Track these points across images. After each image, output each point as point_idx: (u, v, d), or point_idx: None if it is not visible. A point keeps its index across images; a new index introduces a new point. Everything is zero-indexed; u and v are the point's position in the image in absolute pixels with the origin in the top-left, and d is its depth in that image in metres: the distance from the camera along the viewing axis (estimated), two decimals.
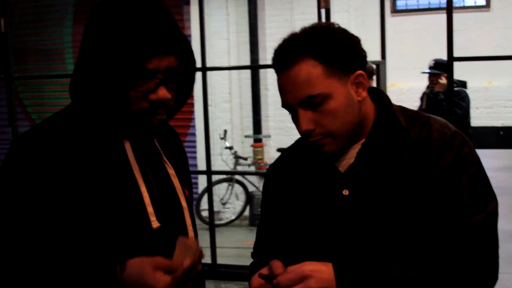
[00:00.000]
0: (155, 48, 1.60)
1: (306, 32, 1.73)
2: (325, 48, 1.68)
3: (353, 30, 1.86)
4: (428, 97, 6.86)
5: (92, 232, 1.63)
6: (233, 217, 9.48)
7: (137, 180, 1.69)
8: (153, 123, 1.69)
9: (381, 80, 6.55)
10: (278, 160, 2.01)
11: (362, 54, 1.76)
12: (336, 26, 1.76)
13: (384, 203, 1.72)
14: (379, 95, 1.84)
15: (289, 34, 1.76)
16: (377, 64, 6.38)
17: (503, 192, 3.47)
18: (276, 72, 1.75)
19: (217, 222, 8.49)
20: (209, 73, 5.93)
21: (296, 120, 1.75)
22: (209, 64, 6.10)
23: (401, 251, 1.69)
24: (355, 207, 1.76)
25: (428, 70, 6.92)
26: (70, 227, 1.61)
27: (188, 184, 1.93)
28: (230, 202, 9.48)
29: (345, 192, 1.77)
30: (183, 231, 1.79)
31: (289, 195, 1.89)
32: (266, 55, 9.60)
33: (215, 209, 6.11)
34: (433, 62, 6.76)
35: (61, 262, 1.60)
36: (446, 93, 6.17)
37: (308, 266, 1.61)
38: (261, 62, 9.44)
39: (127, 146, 1.71)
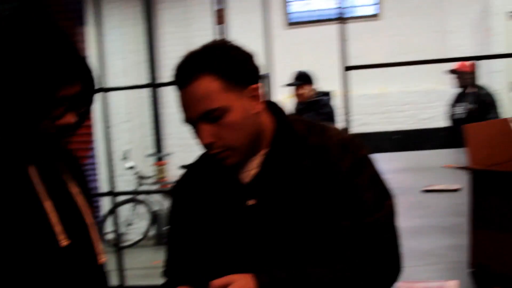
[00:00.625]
0: (64, 78, 1.61)
1: (204, 49, 1.78)
2: (222, 64, 1.74)
3: (251, 45, 1.91)
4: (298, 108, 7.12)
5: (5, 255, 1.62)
6: (139, 238, 9.45)
7: (43, 201, 1.69)
8: (60, 146, 1.72)
9: (266, 93, 6.64)
10: (183, 176, 2.04)
11: (256, 68, 1.82)
12: (231, 43, 1.82)
13: (289, 209, 1.77)
14: (275, 108, 1.91)
15: (187, 51, 1.80)
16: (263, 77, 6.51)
17: (402, 192, 3.60)
18: (177, 89, 1.79)
19: (122, 243, 8.40)
20: (108, 93, 5.87)
21: (197, 134, 1.78)
22: (107, 84, 6.03)
23: (313, 254, 1.76)
24: (261, 216, 1.80)
25: (290, 82, 7.11)
26: None
27: (91, 202, 1.93)
28: (134, 222, 9.43)
29: (250, 202, 1.82)
30: (90, 247, 1.81)
31: (196, 209, 1.92)
32: (164, 73, 9.62)
33: (120, 230, 6.05)
34: (296, 74, 6.97)
35: None
36: (309, 102, 6.60)
37: (232, 276, 1.67)
38: (160, 80, 9.45)
39: (32, 170, 1.70)
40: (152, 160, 9.72)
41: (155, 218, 9.43)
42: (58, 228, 1.70)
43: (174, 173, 9.40)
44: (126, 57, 9.66)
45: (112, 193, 6.08)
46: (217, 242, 1.87)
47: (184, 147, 9.44)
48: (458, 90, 7.24)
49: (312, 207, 1.77)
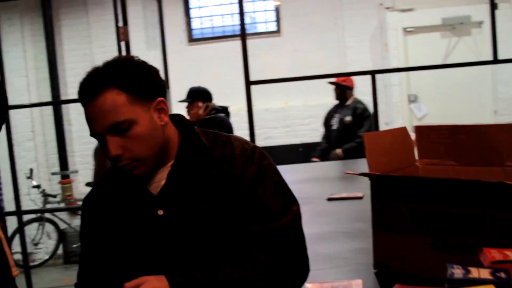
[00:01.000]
0: None
1: (109, 64, 1.83)
2: (127, 78, 1.79)
3: (153, 61, 1.98)
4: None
5: None
6: (47, 257, 9.26)
7: None
8: None
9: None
10: (92, 191, 2.07)
11: (161, 82, 1.88)
12: (136, 58, 1.87)
13: (198, 218, 1.85)
14: (180, 120, 1.98)
15: (92, 67, 1.84)
16: None
17: (307, 201, 3.72)
18: (83, 104, 1.82)
19: (30, 263, 8.25)
20: (10, 112, 5.80)
21: (105, 147, 1.82)
22: (9, 102, 5.96)
23: (222, 259, 1.83)
24: (171, 225, 1.86)
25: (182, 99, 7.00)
26: None
27: (1, 218, 1.97)
28: (42, 242, 9.23)
29: (160, 212, 1.87)
30: (3, 261, 1.84)
31: (108, 222, 1.95)
32: (68, 90, 9.52)
33: (28, 250, 5.97)
34: (188, 91, 6.52)
35: None
36: (204, 120, 6.26)
37: (144, 277, 1.72)
38: (63, 97, 9.33)
39: None
40: (57, 178, 9.57)
41: (62, 236, 9.26)
42: None
43: (80, 190, 9.30)
44: (28, 74, 9.51)
45: (18, 212, 6.02)
46: (130, 251, 1.91)
47: (90, 164, 9.35)
48: (336, 102, 7.40)
49: (218, 215, 1.84)
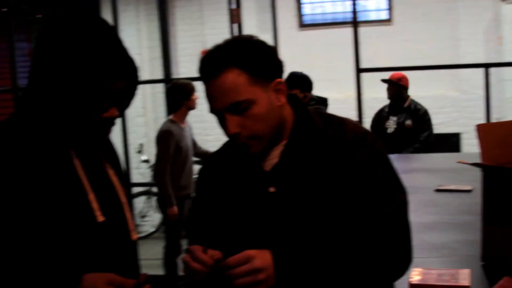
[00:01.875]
0: (114, 74, 1.74)
1: (230, 43, 1.89)
2: (248, 58, 1.84)
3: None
4: None
5: (43, 231, 1.74)
6: (153, 230, 9.44)
7: (82, 180, 1.83)
8: (104, 136, 1.89)
9: None
10: (207, 163, 2.15)
11: (280, 63, 1.93)
12: (255, 38, 1.92)
13: (307, 198, 1.88)
14: (296, 100, 2.01)
15: (214, 45, 1.90)
16: None
17: (415, 190, 3.68)
18: (203, 80, 1.88)
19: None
20: None
21: (223, 124, 1.89)
22: None
23: (327, 241, 1.85)
24: (281, 202, 1.90)
25: None
26: (25, 232, 1.72)
27: (125, 182, 2.07)
28: (148, 215, 9.45)
29: (271, 190, 1.92)
30: (124, 224, 1.95)
31: (220, 195, 2.02)
32: (179, 69, 9.71)
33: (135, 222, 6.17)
34: (288, 75, 5.90)
35: (20, 274, 1.72)
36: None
37: (251, 251, 1.76)
38: (174, 76, 9.52)
39: (72, 152, 1.85)
40: None
41: None
42: (94, 205, 1.83)
43: None
44: (141, 53, 9.75)
45: (128, 185, 6.23)
46: (238, 224, 1.97)
47: (199, 142, 9.54)
48: (390, 101, 6.99)
49: (327, 196, 1.86)
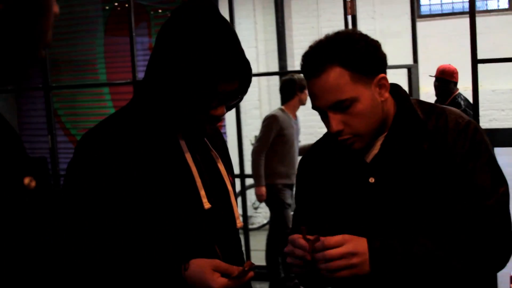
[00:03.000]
0: (227, 74, 1.79)
1: (332, 40, 1.89)
2: (351, 56, 1.84)
3: (379, 35, 2.01)
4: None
5: (153, 216, 1.82)
6: (265, 221, 9.51)
7: (190, 167, 1.90)
8: (206, 131, 1.95)
9: (413, 83, 6.38)
10: (309, 152, 2.18)
11: (383, 58, 1.92)
12: (358, 33, 1.92)
13: (406, 189, 1.88)
14: (398, 91, 2.00)
15: (315, 41, 1.92)
16: (409, 67, 6.38)
17: None
18: (306, 77, 1.91)
19: (249, 226, 8.61)
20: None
21: (326, 121, 1.91)
22: None
23: (424, 232, 1.85)
24: (380, 193, 1.92)
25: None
26: (134, 214, 1.81)
27: (231, 171, 2.12)
28: (261, 206, 9.52)
29: (371, 180, 1.94)
30: (229, 211, 2.01)
31: (321, 183, 2.06)
32: (294, 62, 9.74)
33: (248, 213, 6.26)
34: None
35: (130, 257, 1.81)
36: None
37: (346, 236, 1.79)
38: (289, 69, 9.54)
39: (181, 140, 1.92)
40: None
41: None
42: (202, 192, 1.89)
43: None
44: (258, 45, 9.84)
45: (241, 176, 6.33)
46: (338, 213, 2.00)
47: (312, 135, 9.54)
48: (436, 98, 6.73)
49: (427, 188, 1.86)
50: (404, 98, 1.99)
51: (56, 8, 1.11)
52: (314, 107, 1.92)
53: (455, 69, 6.72)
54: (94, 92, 9.21)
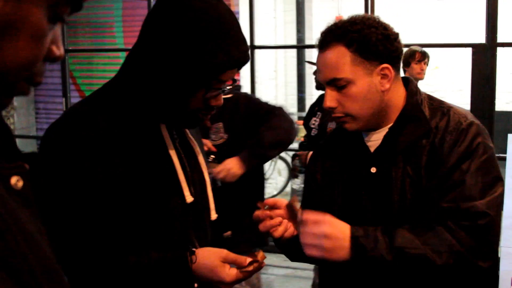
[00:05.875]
0: (228, 65, 1.71)
1: (347, 21, 1.93)
2: (358, 39, 1.88)
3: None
4: None
5: (133, 209, 1.75)
6: (275, 192, 9.56)
7: (172, 158, 1.83)
8: (203, 121, 1.85)
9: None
10: (326, 138, 2.26)
11: (393, 49, 1.93)
12: (374, 19, 1.94)
13: (403, 182, 1.92)
14: (408, 85, 2.03)
15: (335, 20, 1.97)
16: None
17: None
18: (318, 51, 1.97)
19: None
20: (255, 50, 6.07)
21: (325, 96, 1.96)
22: (255, 41, 6.22)
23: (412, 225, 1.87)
24: (380, 183, 1.96)
25: None
26: (114, 207, 1.73)
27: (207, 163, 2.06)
28: (272, 177, 9.57)
29: (373, 170, 1.99)
30: (206, 203, 1.97)
31: (327, 169, 2.12)
32: (312, 34, 9.68)
33: None
34: None
35: (131, 248, 1.75)
36: None
37: (330, 217, 1.84)
38: (307, 41, 9.53)
39: (163, 128, 1.84)
40: (294, 119, 9.81)
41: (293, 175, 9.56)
42: (184, 184, 1.84)
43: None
44: (276, 16, 9.78)
45: None
46: (339, 198, 2.06)
47: None
48: None
49: (420, 183, 1.90)
50: (413, 93, 2.01)
51: (56, 50, 0.88)
52: (317, 81, 1.99)
53: None
54: (110, 55, 9.22)
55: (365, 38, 1.88)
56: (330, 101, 1.93)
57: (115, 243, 1.73)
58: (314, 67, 5.96)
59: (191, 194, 1.86)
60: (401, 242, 1.82)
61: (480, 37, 5.17)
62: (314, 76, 4.48)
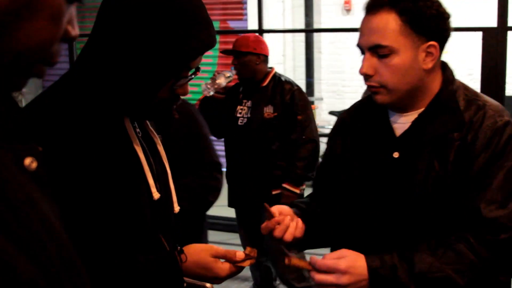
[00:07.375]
0: (203, 49, 1.62)
1: None
2: (412, 9, 1.80)
3: None
4: None
5: (99, 207, 1.63)
6: None
7: (138, 153, 1.72)
8: (171, 111, 1.75)
9: None
10: (348, 111, 2.16)
11: (444, 29, 1.85)
12: None
13: (426, 172, 1.84)
14: (445, 71, 1.95)
15: None
16: None
17: None
18: (365, 13, 1.88)
19: None
20: (264, 34, 6.03)
21: (362, 61, 1.89)
22: (264, 25, 6.18)
23: (429, 233, 1.82)
24: (401, 170, 1.88)
25: None
26: (84, 203, 1.62)
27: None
28: None
29: (395, 155, 1.90)
30: (169, 196, 1.88)
31: (347, 150, 2.05)
32: (321, 18, 9.63)
33: None
34: None
35: (104, 250, 1.65)
36: None
37: (344, 262, 1.76)
38: (315, 26, 9.47)
39: (127, 121, 1.72)
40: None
41: None
42: (151, 181, 1.74)
43: (323, 118, 9.47)
44: (285, 0, 9.73)
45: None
46: (356, 180, 1.99)
47: (335, 93, 9.50)
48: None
49: (445, 179, 1.82)
50: (447, 81, 1.93)
51: (72, 30, 0.89)
52: (357, 44, 1.90)
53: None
54: None
55: (420, 11, 1.80)
56: (368, 67, 1.85)
57: (88, 245, 1.61)
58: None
59: (157, 190, 1.77)
60: (422, 268, 1.75)
61: (491, 21, 5.10)
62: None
